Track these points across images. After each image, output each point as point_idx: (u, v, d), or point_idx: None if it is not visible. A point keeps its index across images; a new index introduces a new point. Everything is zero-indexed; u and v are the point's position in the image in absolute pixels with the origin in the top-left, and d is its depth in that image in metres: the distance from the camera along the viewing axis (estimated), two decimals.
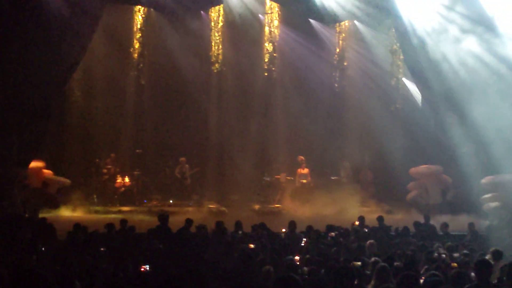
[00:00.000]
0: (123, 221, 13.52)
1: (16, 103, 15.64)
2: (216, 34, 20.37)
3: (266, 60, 20.79)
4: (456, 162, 18.04)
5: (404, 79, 21.02)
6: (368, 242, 10.49)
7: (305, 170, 20.01)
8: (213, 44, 20.42)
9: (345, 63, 21.33)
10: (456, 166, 18.08)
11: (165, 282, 4.76)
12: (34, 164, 17.02)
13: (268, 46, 20.73)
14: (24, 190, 16.44)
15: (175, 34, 20.39)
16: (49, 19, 15.66)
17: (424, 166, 19.65)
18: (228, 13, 20.17)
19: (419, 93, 20.33)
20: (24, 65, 15.48)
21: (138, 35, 20.38)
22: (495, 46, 16.47)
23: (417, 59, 17.90)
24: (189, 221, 13.34)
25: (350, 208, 18.45)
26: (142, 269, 9.00)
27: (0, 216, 13.83)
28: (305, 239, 11.91)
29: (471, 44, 16.71)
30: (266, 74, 20.81)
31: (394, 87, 20.82)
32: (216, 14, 20.26)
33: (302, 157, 20.11)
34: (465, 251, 10.10)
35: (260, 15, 20.52)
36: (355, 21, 20.86)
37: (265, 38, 20.76)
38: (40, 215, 14.79)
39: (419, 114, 20.07)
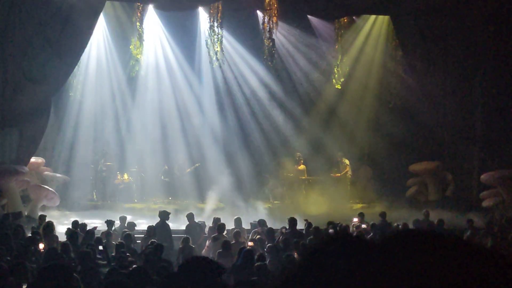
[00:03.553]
0: (123, 218, 13.57)
1: (16, 99, 15.61)
2: (216, 31, 20.25)
3: (265, 56, 20.69)
4: (456, 158, 18.02)
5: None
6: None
7: (302, 167, 19.97)
8: (211, 41, 20.29)
9: (344, 60, 21.12)
10: (456, 162, 18.05)
11: (167, 276, 4.77)
12: (33, 161, 16.99)
13: (267, 42, 20.60)
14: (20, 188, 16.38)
15: (172, 31, 20.40)
16: (49, 14, 15.64)
17: (424, 162, 19.57)
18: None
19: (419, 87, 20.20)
20: (24, 61, 15.47)
21: (139, 30, 20.26)
22: None
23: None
24: (190, 215, 13.51)
25: (349, 205, 18.45)
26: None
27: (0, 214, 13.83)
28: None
29: None
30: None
31: (393, 83, 20.67)
32: (215, 10, 20.10)
33: (299, 154, 20.07)
34: None
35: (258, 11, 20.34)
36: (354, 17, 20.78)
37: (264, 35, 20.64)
38: (40, 212, 14.80)
39: (418, 110, 19.93)
